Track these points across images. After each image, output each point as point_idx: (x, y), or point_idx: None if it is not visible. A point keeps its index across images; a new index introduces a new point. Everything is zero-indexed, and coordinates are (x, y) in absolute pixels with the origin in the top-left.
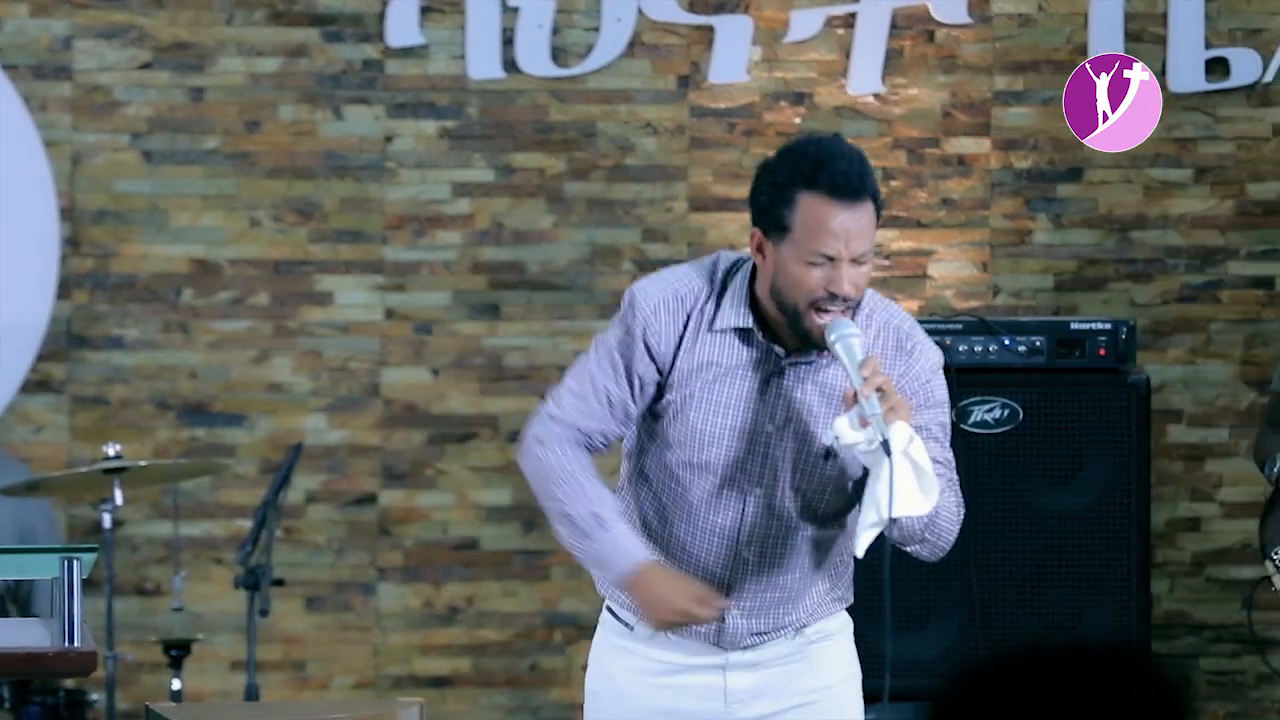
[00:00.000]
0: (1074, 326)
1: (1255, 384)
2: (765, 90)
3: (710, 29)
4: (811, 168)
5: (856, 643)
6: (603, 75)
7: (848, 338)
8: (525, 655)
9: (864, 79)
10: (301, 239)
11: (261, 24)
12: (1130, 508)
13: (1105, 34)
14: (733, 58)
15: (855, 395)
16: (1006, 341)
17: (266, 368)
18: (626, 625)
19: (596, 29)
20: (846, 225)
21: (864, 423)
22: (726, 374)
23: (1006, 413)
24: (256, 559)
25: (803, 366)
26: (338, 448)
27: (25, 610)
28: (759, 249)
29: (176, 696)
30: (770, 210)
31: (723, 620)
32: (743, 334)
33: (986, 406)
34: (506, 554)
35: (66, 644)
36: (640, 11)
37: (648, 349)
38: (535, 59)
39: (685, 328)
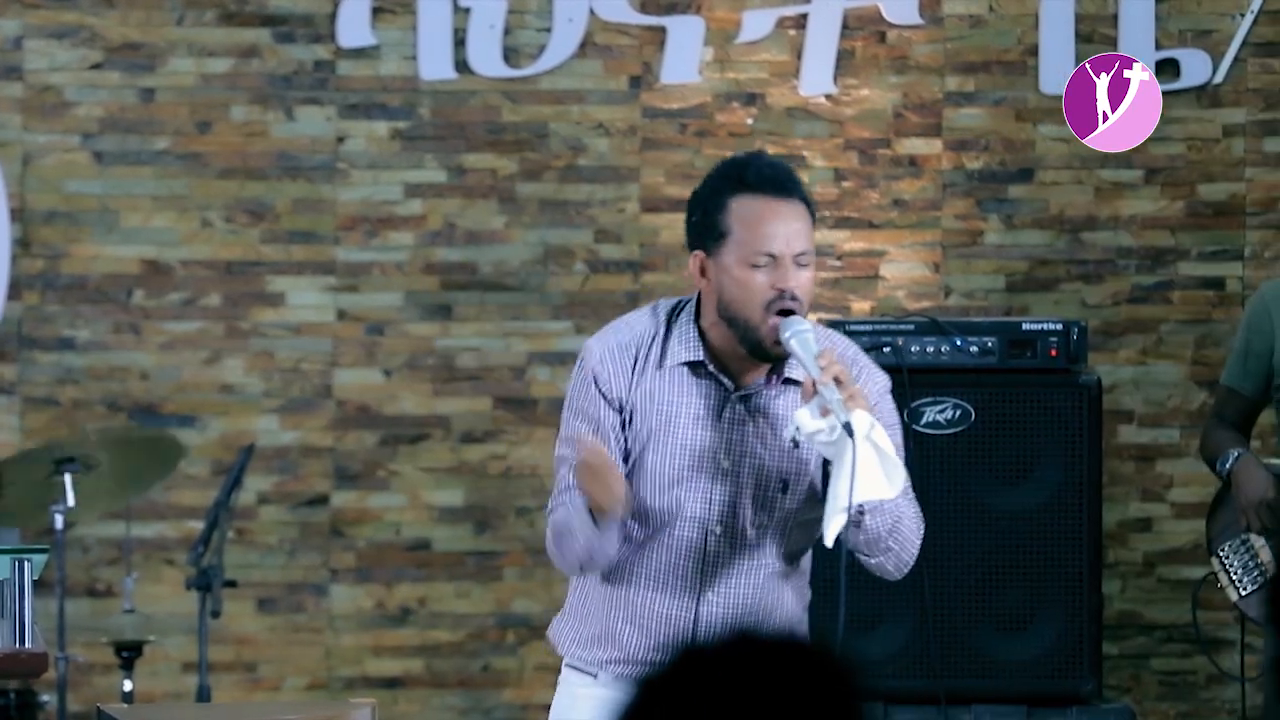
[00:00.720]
0: (1025, 327)
1: (1206, 384)
2: (717, 91)
3: (662, 30)
4: (738, 171)
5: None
6: (554, 76)
7: (802, 333)
8: (478, 656)
9: (815, 80)
10: (253, 240)
11: (212, 24)
12: (1082, 508)
13: (1056, 35)
14: (684, 58)
15: (814, 386)
16: (958, 342)
17: (218, 369)
18: (590, 674)
19: (548, 30)
20: (784, 218)
21: (825, 412)
22: (679, 413)
23: (958, 413)
24: (208, 560)
25: (753, 399)
26: (290, 449)
27: None
28: (701, 271)
29: (128, 698)
30: (705, 221)
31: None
32: (692, 368)
33: (938, 407)
34: (459, 555)
35: (17, 645)
36: (592, 12)
37: (603, 396)
38: (487, 60)
39: (634, 370)
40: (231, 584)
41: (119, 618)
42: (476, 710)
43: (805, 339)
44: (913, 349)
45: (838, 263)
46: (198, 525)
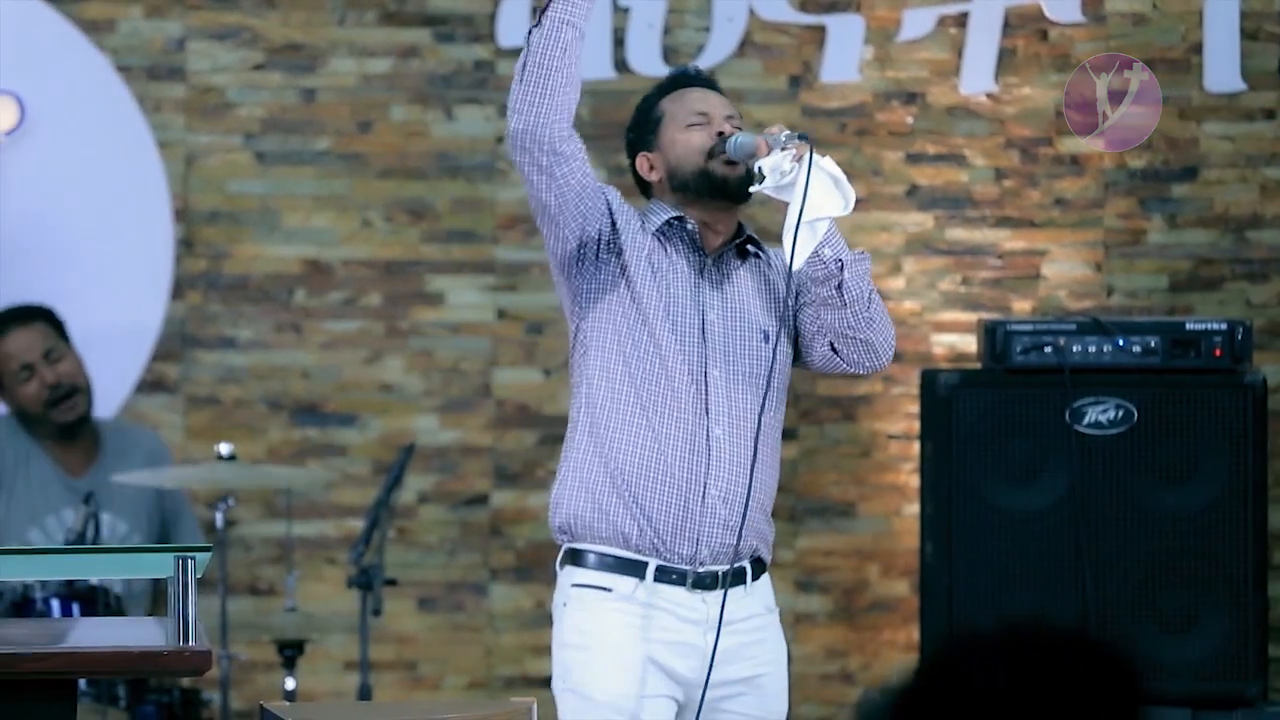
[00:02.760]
0: (1189, 327)
1: None
2: (877, 90)
3: (822, 29)
4: (658, 86)
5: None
6: (714, 75)
7: (737, 135)
8: None
9: (976, 78)
10: (413, 239)
11: (373, 25)
12: (1247, 509)
13: (1220, 32)
14: (844, 57)
15: (766, 143)
16: (1121, 342)
17: (378, 368)
18: (605, 589)
19: (708, 29)
20: (710, 95)
21: (784, 149)
22: (665, 272)
23: (1121, 413)
24: (369, 559)
25: (723, 263)
26: (449, 448)
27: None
28: (649, 168)
29: (290, 696)
30: (641, 127)
31: (703, 500)
32: (672, 229)
33: (1101, 407)
34: None
35: (182, 643)
36: (751, 11)
37: (609, 205)
38: (646, 59)
39: (635, 226)
40: (392, 583)
41: (281, 616)
42: None
43: (743, 134)
44: (1075, 349)
45: (998, 262)
46: (359, 524)
